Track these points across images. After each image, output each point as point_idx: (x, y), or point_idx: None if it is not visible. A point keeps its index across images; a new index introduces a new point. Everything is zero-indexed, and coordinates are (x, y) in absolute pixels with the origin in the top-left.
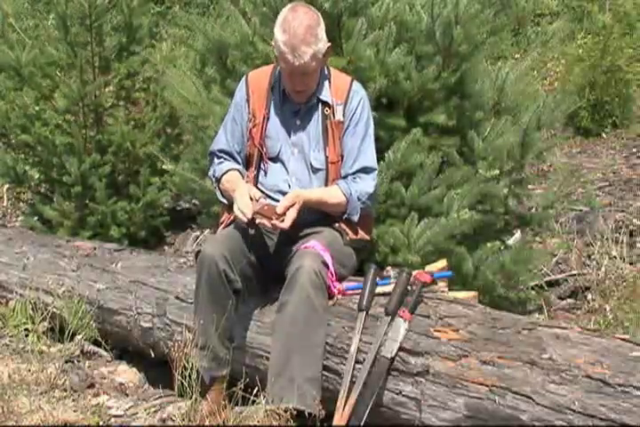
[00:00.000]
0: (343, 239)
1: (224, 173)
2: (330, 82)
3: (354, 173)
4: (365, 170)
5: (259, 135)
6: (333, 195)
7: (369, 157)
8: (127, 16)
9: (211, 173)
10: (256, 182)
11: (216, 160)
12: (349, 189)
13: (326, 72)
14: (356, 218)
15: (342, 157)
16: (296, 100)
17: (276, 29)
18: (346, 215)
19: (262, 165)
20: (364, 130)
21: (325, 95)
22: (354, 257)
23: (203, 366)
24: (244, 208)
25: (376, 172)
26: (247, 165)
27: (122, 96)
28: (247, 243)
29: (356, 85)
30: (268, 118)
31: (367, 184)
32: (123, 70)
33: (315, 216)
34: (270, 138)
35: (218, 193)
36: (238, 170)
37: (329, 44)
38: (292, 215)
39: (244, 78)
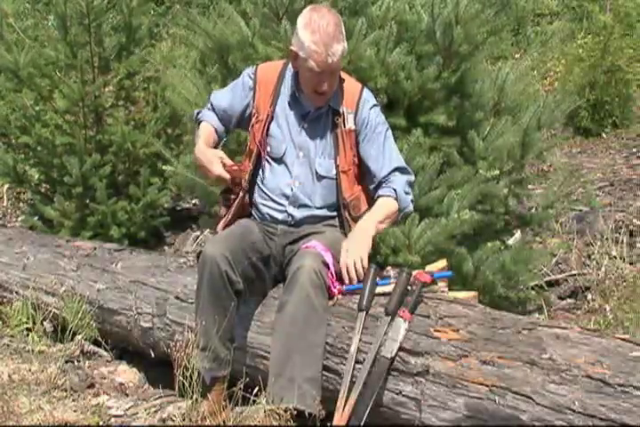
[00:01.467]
0: None
1: (203, 121)
2: (342, 88)
3: (387, 175)
4: (398, 169)
5: (260, 133)
6: (385, 205)
7: (395, 157)
8: (127, 16)
9: (196, 111)
10: (253, 180)
11: (208, 106)
12: (390, 189)
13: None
14: (411, 208)
15: (357, 165)
16: (316, 104)
17: (301, 32)
18: (402, 213)
19: (261, 164)
20: (382, 135)
21: (336, 103)
22: None
23: (204, 366)
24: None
25: (407, 168)
26: (246, 157)
27: (122, 96)
28: (248, 243)
29: (367, 93)
30: (272, 118)
31: (404, 178)
32: (122, 70)
33: (315, 217)
34: (275, 138)
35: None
36: (215, 127)
37: None
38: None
39: (254, 68)
